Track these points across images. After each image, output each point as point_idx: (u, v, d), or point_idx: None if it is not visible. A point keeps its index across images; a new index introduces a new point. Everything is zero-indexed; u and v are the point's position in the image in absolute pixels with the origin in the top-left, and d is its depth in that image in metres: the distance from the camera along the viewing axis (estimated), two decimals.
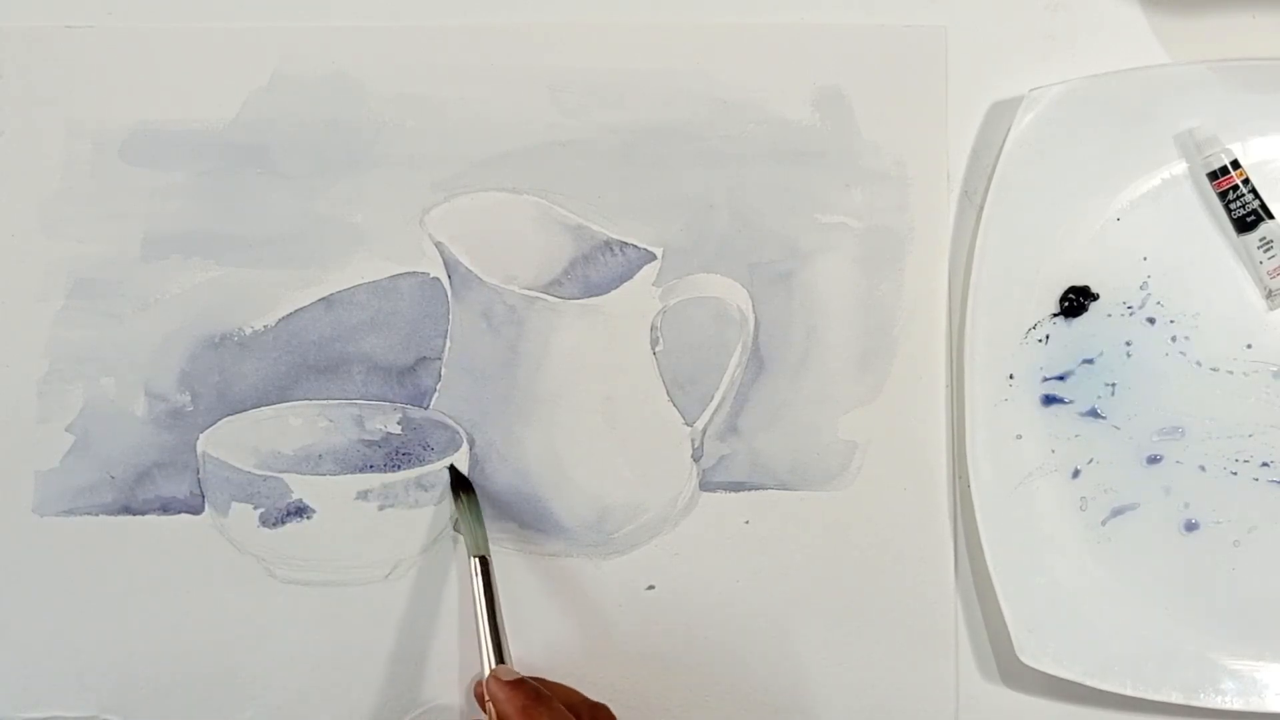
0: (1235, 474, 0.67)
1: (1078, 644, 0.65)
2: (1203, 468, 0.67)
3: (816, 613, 0.67)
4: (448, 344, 0.68)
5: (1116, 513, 0.67)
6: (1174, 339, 0.67)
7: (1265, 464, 0.67)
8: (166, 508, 0.67)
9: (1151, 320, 0.67)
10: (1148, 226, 0.68)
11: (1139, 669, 0.65)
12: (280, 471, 0.66)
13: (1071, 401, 0.67)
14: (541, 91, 0.69)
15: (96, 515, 0.67)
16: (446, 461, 0.67)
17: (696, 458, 0.68)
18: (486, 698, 0.60)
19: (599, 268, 0.68)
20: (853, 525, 0.67)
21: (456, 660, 0.66)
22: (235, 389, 0.68)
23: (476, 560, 0.63)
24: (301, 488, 0.66)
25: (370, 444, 0.67)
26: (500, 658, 0.62)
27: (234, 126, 0.69)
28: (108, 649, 0.66)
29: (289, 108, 0.69)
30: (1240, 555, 0.66)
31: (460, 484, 0.66)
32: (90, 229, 0.68)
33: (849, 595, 0.67)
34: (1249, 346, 0.67)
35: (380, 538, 0.66)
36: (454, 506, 0.66)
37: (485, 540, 0.64)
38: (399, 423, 0.68)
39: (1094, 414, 0.67)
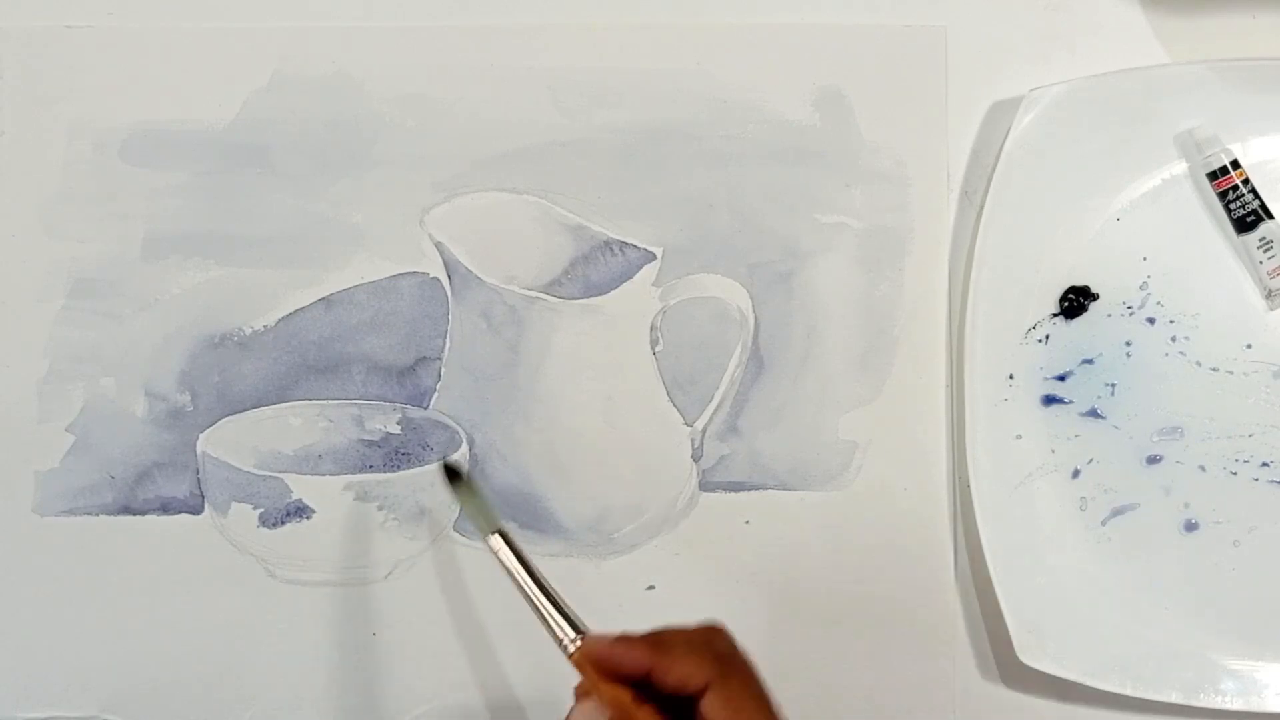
0: (1235, 474, 0.67)
1: (1078, 644, 0.65)
2: (1203, 468, 0.67)
3: (816, 612, 0.67)
4: (447, 344, 0.68)
5: (1116, 513, 0.67)
6: (1174, 339, 0.67)
7: (1265, 464, 0.67)
8: (166, 508, 0.67)
9: (1151, 320, 0.67)
10: (1148, 226, 0.68)
11: (1139, 669, 0.65)
12: (280, 471, 0.66)
13: (1071, 401, 0.67)
14: (541, 91, 0.69)
15: (96, 515, 0.67)
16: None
17: (696, 458, 0.68)
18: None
19: (599, 268, 0.68)
20: (853, 525, 0.67)
21: (457, 660, 0.66)
22: (235, 389, 0.68)
23: (495, 536, 0.58)
24: (301, 488, 0.66)
25: (370, 444, 0.67)
26: (570, 621, 0.55)
27: (234, 126, 0.69)
28: (108, 649, 0.66)
29: (289, 108, 0.69)
30: (1240, 555, 0.66)
31: (453, 476, 0.63)
32: (90, 229, 0.68)
33: (849, 595, 0.67)
34: (1249, 346, 0.67)
35: (380, 538, 0.66)
36: (454, 498, 0.63)
37: (497, 514, 0.60)
38: (399, 423, 0.68)
39: (1094, 414, 0.67)
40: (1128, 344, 0.67)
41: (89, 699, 0.66)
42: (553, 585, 0.57)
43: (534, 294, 0.67)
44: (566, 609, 0.56)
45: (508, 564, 0.58)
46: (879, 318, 0.68)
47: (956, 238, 0.69)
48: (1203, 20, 0.70)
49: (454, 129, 0.69)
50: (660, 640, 0.54)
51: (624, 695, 0.53)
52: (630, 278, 0.67)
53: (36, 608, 0.66)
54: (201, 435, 0.67)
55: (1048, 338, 0.68)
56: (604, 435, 0.67)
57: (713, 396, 0.68)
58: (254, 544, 0.66)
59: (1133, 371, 0.67)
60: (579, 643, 0.55)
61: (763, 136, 0.69)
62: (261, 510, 0.66)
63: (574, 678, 0.55)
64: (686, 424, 0.68)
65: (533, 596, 0.57)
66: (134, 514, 0.67)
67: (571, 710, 0.54)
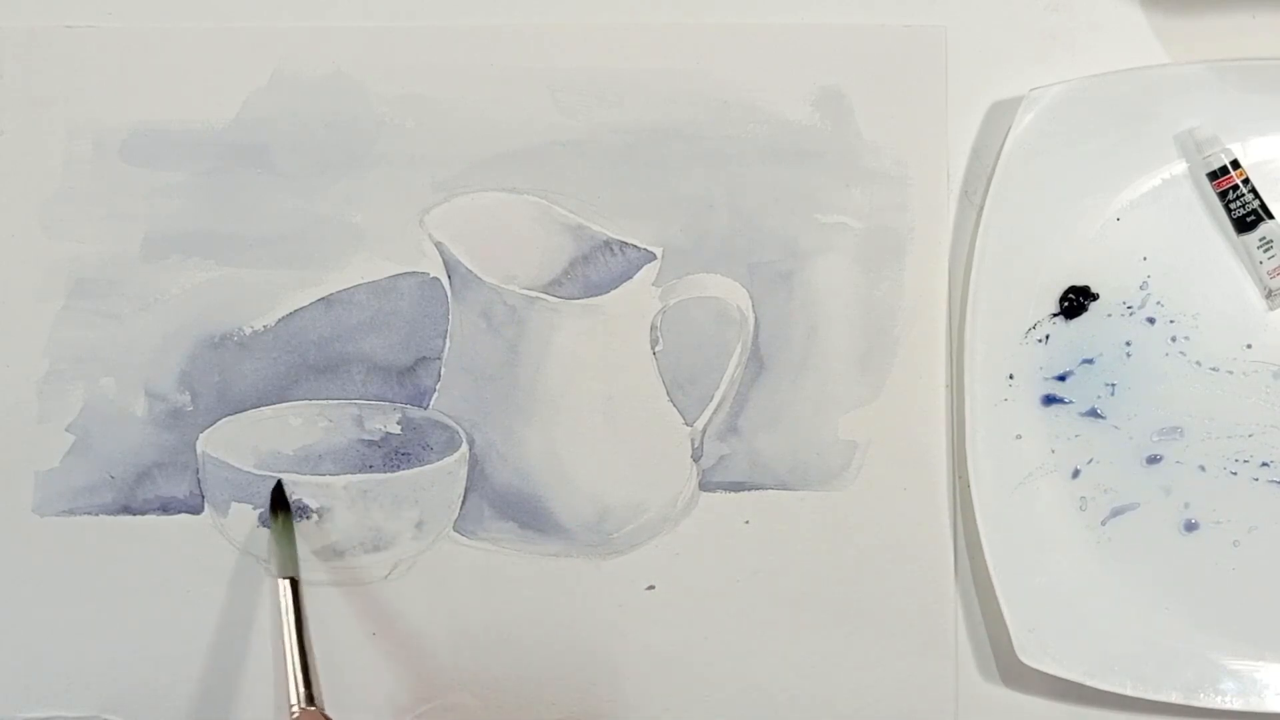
0: (1235, 474, 0.67)
1: (1078, 644, 0.65)
2: (1203, 468, 0.67)
3: (816, 613, 0.67)
4: (447, 344, 0.68)
5: (1116, 513, 0.67)
6: (1174, 339, 0.67)
7: (1265, 464, 0.67)
8: (166, 508, 0.67)
9: (1151, 320, 0.67)
10: (1148, 226, 0.68)
11: (1139, 669, 0.65)
12: (280, 471, 0.66)
13: (1071, 401, 0.67)
14: (541, 91, 0.69)
15: (96, 515, 0.67)
16: (444, 463, 0.66)
17: (696, 458, 0.68)
18: None
19: (599, 268, 0.68)
20: (853, 525, 0.67)
21: (457, 660, 0.66)
22: (235, 389, 0.68)
23: (286, 582, 0.62)
24: (301, 488, 0.66)
25: (370, 444, 0.67)
26: (309, 689, 0.59)
27: (234, 126, 0.69)
28: (108, 649, 0.66)
29: (289, 108, 0.69)
30: (1240, 555, 0.66)
31: (280, 503, 0.65)
32: (90, 229, 0.68)
33: (849, 595, 0.67)
34: (1249, 346, 0.67)
35: (380, 538, 0.66)
36: (269, 523, 0.65)
37: (296, 561, 0.64)
38: (399, 423, 0.68)
39: (1094, 414, 0.67)
40: (1128, 344, 0.67)
41: (89, 699, 0.66)
42: (313, 651, 0.61)
43: (534, 294, 0.67)
44: (313, 676, 0.59)
45: (285, 611, 0.61)
46: (879, 318, 0.68)
47: (956, 238, 0.69)
48: (1203, 20, 0.70)
49: (454, 129, 0.69)
50: None
51: None
52: (630, 278, 0.67)
53: (36, 608, 0.66)
54: (201, 435, 0.67)
55: (1048, 338, 0.68)
56: (604, 435, 0.67)
57: (713, 396, 0.68)
58: (254, 544, 0.66)
59: (1133, 371, 0.67)
60: (297, 711, 0.59)
61: (763, 136, 0.69)
62: (261, 510, 0.66)
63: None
64: (686, 424, 0.68)
65: (290, 650, 0.60)
66: (134, 514, 0.67)
67: None
